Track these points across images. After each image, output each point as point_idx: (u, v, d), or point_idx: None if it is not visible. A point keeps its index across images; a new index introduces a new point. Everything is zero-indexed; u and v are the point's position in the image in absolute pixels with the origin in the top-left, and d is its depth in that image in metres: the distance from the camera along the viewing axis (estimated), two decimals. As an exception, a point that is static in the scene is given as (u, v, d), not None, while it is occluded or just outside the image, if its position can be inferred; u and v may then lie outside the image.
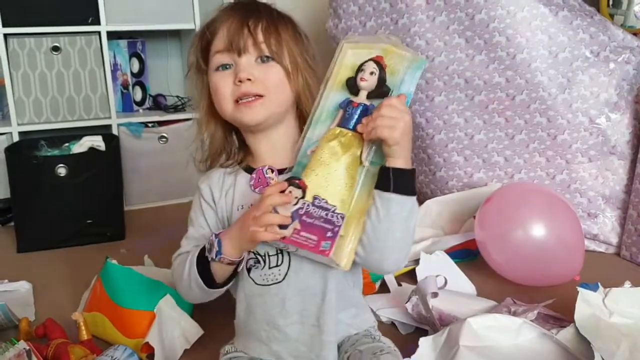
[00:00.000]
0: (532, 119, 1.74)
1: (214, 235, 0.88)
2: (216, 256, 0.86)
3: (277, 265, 0.92)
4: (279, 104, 0.93)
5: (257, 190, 0.93)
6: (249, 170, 0.97)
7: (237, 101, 0.91)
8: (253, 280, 0.93)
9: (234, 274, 0.91)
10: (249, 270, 0.93)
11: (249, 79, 0.89)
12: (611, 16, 2.52)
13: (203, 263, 0.89)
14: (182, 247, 0.98)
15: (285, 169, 0.94)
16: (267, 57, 0.91)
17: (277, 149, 0.96)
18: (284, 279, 0.92)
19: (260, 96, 0.90)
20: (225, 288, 0.93)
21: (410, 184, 0.84)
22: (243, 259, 0.88)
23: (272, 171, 0.94)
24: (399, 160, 0.83)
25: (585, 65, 1.69)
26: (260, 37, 0.90)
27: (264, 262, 0.92)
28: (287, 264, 0.91)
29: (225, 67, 0.91)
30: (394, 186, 0.82)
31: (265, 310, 0.94)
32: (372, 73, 0.86)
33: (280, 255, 0.91)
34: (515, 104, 1.74)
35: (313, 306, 0.92)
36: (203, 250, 0.89)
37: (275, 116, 0.94)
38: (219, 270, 0.89)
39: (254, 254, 0.92)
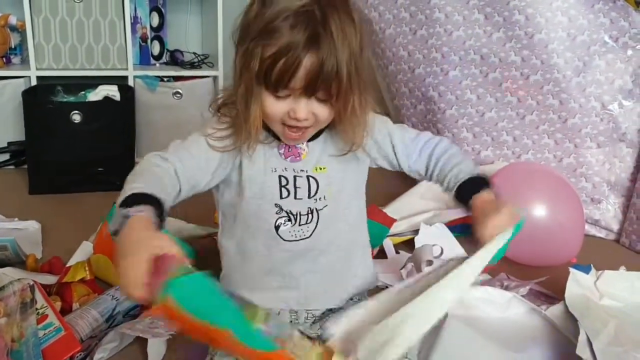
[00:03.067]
0: (544, 100, 1.73)
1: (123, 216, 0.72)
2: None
3: (306, 223, 0.96)
4: (321, 127, 0.93)
5: (288, 159, 0.95)
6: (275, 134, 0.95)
7: (283, 123, 0.89)
8: (281, 237, 0.96)
9: None
10: (277, 228, 0.96)
11: (306, 119, 0.87)
12: (637, 4, 2.48)
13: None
14: (169, 151, 0.91)
15: (313, 137, 0.96)
16: (325, 100, 0.86)
17: None
18: (311, 235, 0.97)
19: (309, 127, 0.90)
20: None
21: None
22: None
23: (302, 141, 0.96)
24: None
25: (603, 50, 1.68)
26: (329, 83, 0.83)
27: (295, 220, 0.96)
28: (316, 222, 0.97)
29: (282, 97, 0.85)
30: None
31: (286, 264, 0.98)
32: None
33: (310, 215, 0.96)
34: (528, 83, 1.73)
35: (336, 260, 1.00)
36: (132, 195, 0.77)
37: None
38: None
39: (286, 212, 0.95)
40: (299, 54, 0.80)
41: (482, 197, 0.93)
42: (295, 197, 0.95)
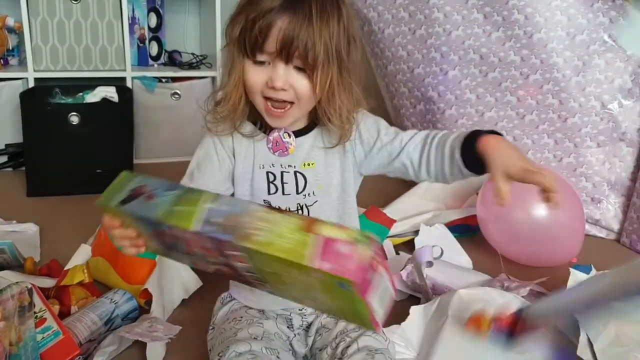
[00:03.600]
0: (544, 99, 1.73)
1: None
2: None
3: None
4: (306, 108, 0.94)
5: (276, 153, 0.96)
6: (264, 129, 0.97)
7: (265, 97, 0.90)
8: None
9: None
10: None
11: (284, 89, 0.88)
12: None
13: None
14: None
15: (302, 129, 0.97)
16: (303, 69, 0.88)
17: None
18: None
19: (290, 103, 0.90)
20: None
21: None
22: None
23: (290, 135, 0.97)
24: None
25: (602, 49, 1.67)
26: (305, 50, 0.85)
27: None
28: None
29: (261, 62, 0.88)
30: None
31: None
32: None
33: (300, 211, 0.98)
34: (528, 83, 1.73)
35: None
36: None
37: (299, 116, 0.95)
38: None
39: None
40: (273, 16, 0.84)
41: (494, 139, 0.87)
42: (283, 193, 0.96)
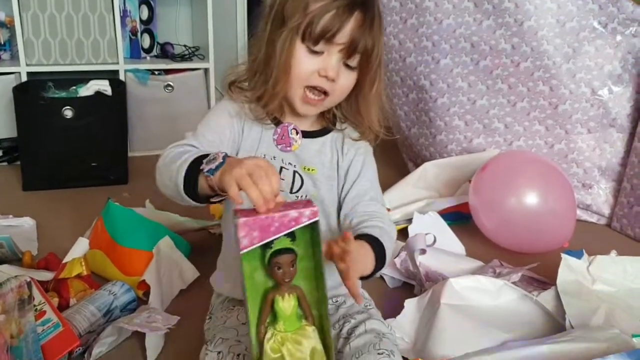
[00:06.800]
0: (535, 87, 1.74)
1: (223, 154, 0.79)
2: (209, 172, 0.78)
3: None
4: (335, 102, 0.95)
5: (279, 146, 0.97)
6: (275, 121, 0.98)
7: (305, 86, 0.91)
8: None
9: (208, 199, 0.85)
10: None
11: (333, 80, 0.89)
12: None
13: (194, 169, 0.82)
14: (186, 138, 0.94)
15: (312, 132, 0.99)
16: (354, 67, 0.90)
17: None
18: None
19: (327, 94, 0.92)
20: (196, 204, 0.85)
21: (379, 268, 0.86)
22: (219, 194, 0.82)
23: (297, 132, 0.97)
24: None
25: (592, 36, 1.68)
26: (367, 50, 0.88)
27: None
28: None
29: (317, 52, 0.88)
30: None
31: None
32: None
33: None
34: (519, 71, 1.74)
35: None
36: (201, 157, 0.82)
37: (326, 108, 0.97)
38: (202, 184, 0.82)
39: None
40: (350, 10, 0.85)
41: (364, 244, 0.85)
42: None
